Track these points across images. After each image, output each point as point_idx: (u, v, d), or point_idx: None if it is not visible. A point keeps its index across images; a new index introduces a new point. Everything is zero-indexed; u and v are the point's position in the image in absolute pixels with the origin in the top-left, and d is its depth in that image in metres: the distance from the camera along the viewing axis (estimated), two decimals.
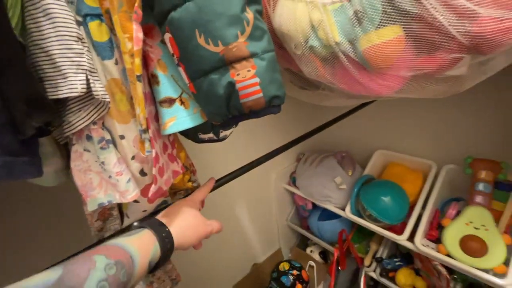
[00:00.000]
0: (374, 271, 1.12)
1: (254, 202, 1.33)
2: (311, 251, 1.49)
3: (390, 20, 0.40)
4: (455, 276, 0.94)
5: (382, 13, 0.40)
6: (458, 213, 0.88)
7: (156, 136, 0.39)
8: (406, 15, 0.39)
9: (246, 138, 1.13)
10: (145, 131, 0.36)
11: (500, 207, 0.84)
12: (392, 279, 1.07)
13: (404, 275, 1.04)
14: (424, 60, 0.42)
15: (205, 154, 0.98)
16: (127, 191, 0.38)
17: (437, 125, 1.04)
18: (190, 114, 0.39)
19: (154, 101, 0.40)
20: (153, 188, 0.39)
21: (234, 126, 0.47)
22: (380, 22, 0.40)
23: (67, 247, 0.43)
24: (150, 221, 0.39)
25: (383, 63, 0.43)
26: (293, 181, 1.41)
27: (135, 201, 0.43)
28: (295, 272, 1.35)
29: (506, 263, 0.75)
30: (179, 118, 0.38)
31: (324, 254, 1.47)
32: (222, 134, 0.48)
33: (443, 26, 0.37)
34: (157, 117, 0.41)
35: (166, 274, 0.64)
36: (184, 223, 0.41)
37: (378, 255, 1.15)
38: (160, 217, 0.41)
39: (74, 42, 0.32)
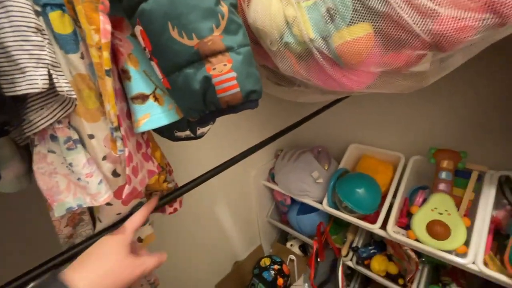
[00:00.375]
0: (351, 260, 1.17)
1: (234, 200, 1.33)
2: (291, 245, 1.52)
3: (360, 18, 0.41)
4: (423, 259, 1.01)
5: (353, 11, 0.41)
6: (424, 201, 0.94)
7: (128, 134, 0.37)
8: (375, 13, 0.40)
9: (223, 135, 1.12)
10: (117, 129, 0.34)
11: (460, 193, 0.91)
12: (368, 267, 1.13)
13: (378, 262, 1.10)
14: (392, 56, 0.44)
15: (182, 152, 0.96)
16: (98, 193, 0.36)
17: (404, 120, 1.10)
18: (165, 110, 0.38)
19: (126, 98, 0.38)
20: (126, 189, 0.37)
21: (212, 122, 0.47)
22: (351, 19, 0.42)
23: (34, 258, 0.40)
24: (48, 277, 0.34)
25: (355, 59, 0.45)
26: (272, 177, 1.42)
27: (108, 203, 0.41)
28: (276, 266, 1.37)
29: (466, 243, 0.82)
30: (154, 115, 0.37)
31: (303, 247, 1.50)
32: (199, 131, 0.47)
33: (408, 24, 0.39)
34: (129, 115, 0.38)
35: (145, 279, 0.62)
36: (101, 270, 0.34)
37: (354, 244, 1.20)
38: (71, 267, 0.34)
39: (32, 34, 0.29)
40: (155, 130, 0.45)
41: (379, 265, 1.09)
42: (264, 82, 0.84)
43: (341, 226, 1.34)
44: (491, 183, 0.87)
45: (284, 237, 1.62)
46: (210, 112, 0.34)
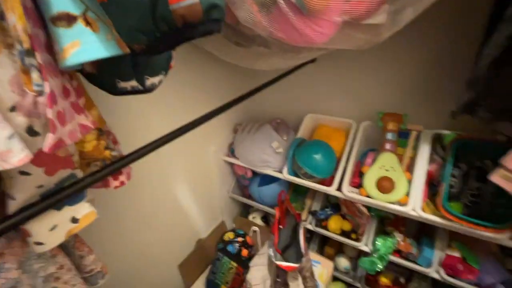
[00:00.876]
0: (310, 223, 1.25)
1: (194, 177, 1.28)
2: (253, 218, 1.55)
3: None
4: (372, 214, 1.12)
5: None
6: (373, 161, 1.03)
7: (49, 70, 0.28)
8: None
9: (175, 104, 1.04)
10: (29, 53, 0.25)
11: (402, 152, 1.02)
12: (325, 227, 1.22)
13: (334, 222, 1.19)
14: (354, 4, 0.44)
15: (126, 119, 0.86)
16: (9, 152, 0.26)
17: (353, 88, 1.17)
18: (102, 40, 0.29)
19: (43, 22, 0.28)
20: (49, 139, 0.28)
21: (164, 73, 0.40)
22: None
23: None
24: None
25: (318, 4, 0.44)
26: (231, 152, 1.40)
27: (24, 173, 0.31)
28: (240, 239, 1.39)
29: (407, 194, 0.93)
30: (86, 43, 0.28)
31: (265, 218, 1.55)
32: (148, 82, 0.40)
33: None
34: (49, 47, 0.29)
35: (78, 276, 0.51)
36: None
37: (312, 209, 1.28)
38: None
39: None
40: (91, 80, 0.37)
41: (335, 224, 1.18)
42: (221, 44, 0.78)
43: (300, 194, 1.40)
44: (426, 141, 0.99)
45: (246, 211, 1.64)
46: (162, 35, 0.28)
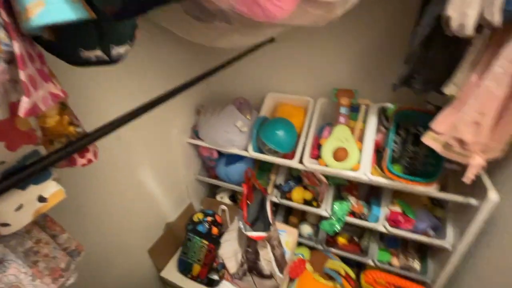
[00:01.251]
0: (276, 196, 1.33)
1: (158, 161, 1.25)
2: (221, 198, 1.59)
3: None
4: (330, 182, 1.24)
5: None
6: (329, 134, 1.13)
7: (13, 30, 0.26)
8: None
9: (129, 83, 0.99)
10: None
11: (354, 124, 1.13)
12: (289, 199, 1.31)
13: (297, 193, 1.29)
14: None
15: (78, 97, 0.80)
16: None
17: (310, 66, 1.24)
18: (67, 1, 0.27)
19: None
20: (25, 103, 0.27)
21: (130, 41, 0.40)
22: None
23: None
24: None
25: None
26: (195, 134, 1.39)
27: None
28: (209, 218, 1.42)
29: (359, 161, 1.05)
30: (51, 3, 0.26)
31: (233, 197, 1.59)
32: (114, 52, 0.38)
33: None
34: (8, 8, 0.26)
35: (58, 249, 0.52)
36: None
37: (277, 183, 1.36)
38: None
39: None
40: (49, 49, 0.35)
41: (298, 195, 1.28)
42: (182, 19, 0.76)
43: (264, 170, 1.47)
44: (373, 114, 1.12)
45: (213, 192, 1.67)
46: None
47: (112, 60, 0.39)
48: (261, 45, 1.01)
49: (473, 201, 0.90)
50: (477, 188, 0.90)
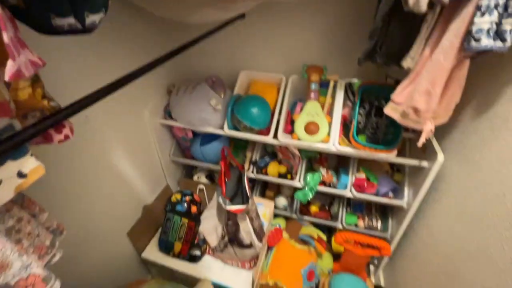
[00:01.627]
0: (252, 172, 1.38)
1: (132, 144, 1.21)
2: (198, 177, 1.60)
3: None
4: (302, 156, 1.32)
5: None
6: (301, 109, 1.18)
7: None
8: None
9: (95, 62, 0.93)
10: None
11: (324, 100, 1.20)
12: (265, 174, 1.37)
13: (272, 167, 1.35)
14: None
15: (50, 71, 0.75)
16: None
17: (281, 43, 1.26)
18: None
19: None
20: (11, 65, 0.26)
21: (104, 9, 0.38)
22: None
23: None
24: None
25: None
26: (168, 114, 1.36)
27: None
28: (187, 198, 1.43)
29: (329, 134, 1.12)
30: None
31: (210, 176, 1.62)
32: (88, 20, 0.37)
33: None
34: None
35: (40, 226, 0.52)
36: None
37: (253, 159, 1.40)
38: None
39: None
40: (16, 15, 0.33)
41: (273, 169, 1.35)
42: None
43: (240, 148, 1.50)
44: (341, 89, 1.18)
45: (189, 172, 1.67)
46: None
47: (86, 29, 0.37)
48: (232, 21, 1.00)
49: (425, 164, 1.03)
50: (428, 153, 1.03)
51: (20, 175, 0.38)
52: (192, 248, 1.29)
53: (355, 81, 1.17)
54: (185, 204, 1.41)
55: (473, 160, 0.85)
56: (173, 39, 1.11)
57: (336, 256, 1.40)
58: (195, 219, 1.32)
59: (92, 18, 0.37)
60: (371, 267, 1.52)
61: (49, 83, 0.52)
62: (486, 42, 0.59)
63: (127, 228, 1.25)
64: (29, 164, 0.39)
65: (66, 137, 0.45)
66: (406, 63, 0.80)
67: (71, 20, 0.36)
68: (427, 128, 0.81)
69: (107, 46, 0.98)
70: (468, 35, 0.61)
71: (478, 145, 0.84)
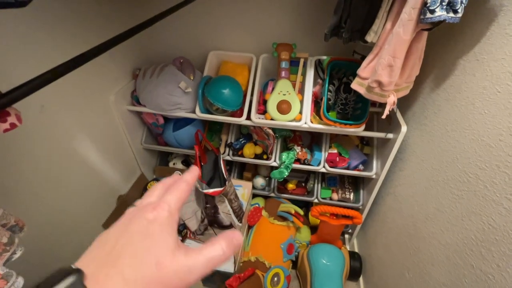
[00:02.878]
0: (228, 154, 1.38)
1: (99, 133, 1.15)
2: (174, 164, 1.57)
3: None
4: (277, 135, 1.34)
5: None
6: (273, 89, 1.18)
7: None
8: None
9: (44, 39, 0.84)
10: None
11: (294, 78, 1.20)
12: (241, 155, 1.38)
13: (248, 149, 1.36)
14: None
15: None
16: None
17: (250, 21, 1.23)
18: None
19: None
20: None
21: None
22: None
23: None
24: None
25: None
26: (135, 100, 1.30)
27: None
28: None
29: (300, 112, 1.14)
30: None
31: (186, 161, 1.59)
32: None
33: None
34: None
35: None
36: (141, 280, 0.20)
37: (228, 142, 1.40)
38: (94, 273, 0.20)
39: None
40: None
41: (249, 150, 1.35)
42: None
43: (215, 132, 1.48)
44: (311, 67, 1.19)
45: (164, 159, 1.64)
46: None
47: (17, 2, 0.34)
48: None
49: (390, 136, 1.09)
50: (393, 125, 1.09)
51: None
52: None
53: (324, 58, 1.18)
54: None
55: (431, 129, 0.91)
56: (136, 17, 1.05)
57: (314, 229, 1.47)
58: None
59: None
60: (346, 236, 1.63)
61: None
62: (440, 13, 0.61)
63: (102, 220, 1.22)
64: None
65: (13, 125, 0.41)
66: (370, 37, 0.82)
67: None
68: (390, 100, 0.85)
69: (57, 23, 0.88)
70: (424, 7, 0.63)
71: (435, 115, 0.90)
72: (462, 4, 0.61)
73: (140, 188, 1.45)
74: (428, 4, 0.61)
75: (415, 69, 0.82)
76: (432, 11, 0.61)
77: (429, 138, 0.93)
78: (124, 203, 1.35)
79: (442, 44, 0.88)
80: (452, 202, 0.77)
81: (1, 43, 0.72)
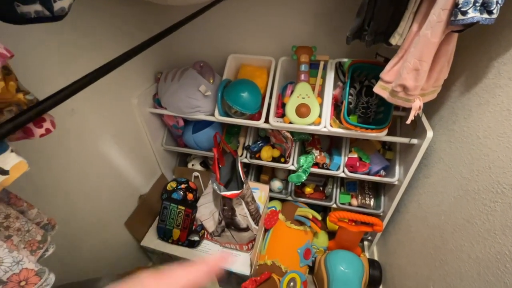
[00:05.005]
0: (246, 157, 1.38)
1: (122, 135, 1.20)
2: (192, 165, 1.60)
3: None
4: (295, 138, 1.32)
5: None
6: (292, 92, 1.17)
7: None
8: None
9: (73, 51, 0.89)
10: None
11: (314, 81, 1.18)
12: (259, 158, 1.38)
13: (265, 151, 1.35)
14: None
15: (24, 61, 0.73)
16: None
17: (269, 24, 1.22)
18: None
19: None
20: None
21: None
22: None
23: None
24: None
25: None
26: (157, 102, 1.33)
27: None
28: (183, 185, 1.44)
29: (320, 116, 1.12)
30: None
31: (204, 163, 1.62)
32: (57, 6, 0.35)
33: None
34: None
35: (30, 222, 0.52)
36: None
37: (246, 144, 1.40)
38: None
39: None
40: None
41: (266, 153, 1.35)
42: None
43: (233, 134, 1.50)
44: (331, 69, 1.17)
45: (183, 160, 1.67)
46: None
47: (54, 17, 0.35)
48: (217, 2, 0.96)
49: (414, 141, 1.04)
50: (418, 130, 1.04)
51: (2, 172, 0.37)
52: (191, 234, 1.32)
53: (345, 60, 1.15)
54: (181, 192, 1.43)
55: (461, 135, 0.86)
56: (159, 24, 1.08)
57: (331, 235, 1.44)
58: (192, 206, 1.34)
59: (60, 4, 0.35)
60: (365, 243, 1.58)
61: (25, 75, 0.50)
62: (473, 14, 0.57)
63: (124, 218, 1.26)
64: (10, 160, 0.38)
65: (48, 131, 0.44)
66: (394, 40, 0.79)
67: (37, 7, 0.34)
68: (416, 105, 0.81)
69: (87, 33, 0.93)
70: (455, 8, 0.59)
71: (465, 120, 0.85)
72: (498, 4, 0.57)
73: (160, 188, 1.49)
74: (460, 5, 0.58)
75: (443, 73, 0.78)
76: (464, 13, 0.58)
77: (458, 145, 0.88)
78: (145, 203, 1.40)
79: (474, 45, 0.83)
80: (484, 214, 0.72)
81: (38, 54, 0.76)
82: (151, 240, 1.34)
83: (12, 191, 0.48)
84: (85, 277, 0.83)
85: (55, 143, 0.85)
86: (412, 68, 0.73)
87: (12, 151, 0.39)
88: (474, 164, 0.79)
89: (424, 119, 1.01)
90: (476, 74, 0.81)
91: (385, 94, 0.87)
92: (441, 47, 0.70)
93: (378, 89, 0.89)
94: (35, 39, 0.75)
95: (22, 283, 0.39)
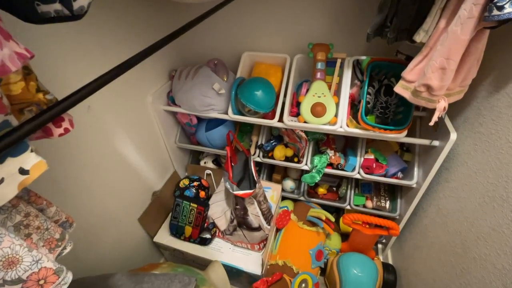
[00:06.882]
0: (259, 156, 1.37)
1: (136, 132, 1.21)
2: (205, 163, 1.61)
3: None
4: (309, 138, 1.29)
5: None
6: (307, 90, 1.14)
7: None
8: None
9: (93, 49, 0.90)
10: None
11: (330, 79, 1.15)
12: (272, 157, 1.36)
13: (278, 150, 1.33)
14: None
15: (43, 61, 0.74)
16: None
17: (284, 21, 1.20)
18: None
19: None
20: None
21: None
22: None
23: None
24: None
25: None
26: (171, 100, 1.34)
27: None
28: (195, 183, 1.45)
29: (336, 115, 1.09)
30: None
31: (217, 161, 1.62)
32: (76, 6, 0.34)
33: None
34: None
35: (49, 220, 0.52)
36: None
37: (259, 143, 1.39)
38: None
39: None
40: (1, 5, 0.31)
41: (279, 153, 1.33)
42: None
43: (246, 133, 1.48)
44: (348, 67, 1.13)
45: (196, 158, 1.68)
46: None
47: (74, 16, 0.35)
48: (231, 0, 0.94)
49: (436, 143, 0.99)
50: (440, 132, 0.99)
51: (22, 171, 0.38)
52: (203, 231, 1.32)
53: (364, 58, 1.11)
54: (193, 189, 1.44)
55: (488, 138, 0.81)
56: (173, 22, 1.08)
57: (345, 237, 1.41)
58: (204, 204, 1.34)
59: (80, 3, 0.35)
60: (379, 246, 1.54)
61: (45, 75, 0.50)
62: (510, 10, 0.53)
63: (137, 215, 1.28)
64: (31, 160, 0.38)
65: (66, 130, 0.44)
66: (419, 37, 0.75)
67: (57, 6, 0.33)
68: (440, 106, 0.77)
69: (103, 32, 0.94)
70: (489, 2, 0.55)
71: (494, 123, 0.80)
72: None
73: (173, 185, 1.50)
74: (496, 0, 0.53)
75: (472, 72, 0.74)
76: (500, 8, 0.53)
77: (484, 148, 0.83)
78: (158, 199, 1.41)
79: (505, 42, 0.78)
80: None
81: (58, 54, 0.77)
82: (164, 237, 1.35)
83: (31, 189, 0.49)
84: (98, 272, 0.85)
85: (72, 141, 0.86)
86: (438, 67, 0.69)
87: (32, 150, 0.39)
88: (502, 169, 0.74)
89: (447, 120, 0.96)
90: (507, 73, 0.76)
91: (406, 94, 0.84)
92: (470, 45, 0.66)
93: (399, 88, 0.85)
94: (55, 37, 0.76)
95: (41, 282, 0.40)
